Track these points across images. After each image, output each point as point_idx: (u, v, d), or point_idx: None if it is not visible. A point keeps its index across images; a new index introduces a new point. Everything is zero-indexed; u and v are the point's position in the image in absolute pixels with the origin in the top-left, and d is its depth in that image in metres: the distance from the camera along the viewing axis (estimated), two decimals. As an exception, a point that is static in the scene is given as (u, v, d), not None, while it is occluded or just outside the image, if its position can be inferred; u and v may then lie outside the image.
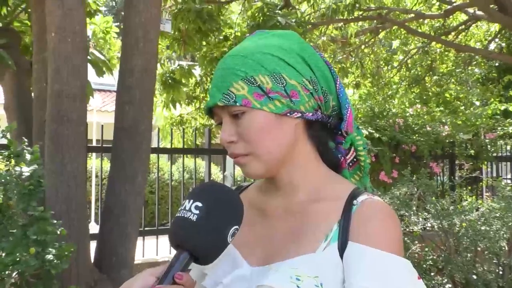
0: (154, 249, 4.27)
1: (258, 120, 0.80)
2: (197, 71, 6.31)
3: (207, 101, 0.84)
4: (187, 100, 6.85)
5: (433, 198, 3.41)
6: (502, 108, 7.49)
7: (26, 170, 2.18)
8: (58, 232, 2.22)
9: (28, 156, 2.30)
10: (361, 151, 0.93)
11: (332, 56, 8.85)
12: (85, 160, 3.08)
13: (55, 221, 2.26)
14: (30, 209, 2.12)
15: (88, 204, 6.27)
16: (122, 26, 3.26)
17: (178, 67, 5.85)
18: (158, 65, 5.52)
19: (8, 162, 2.31)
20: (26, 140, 2.54)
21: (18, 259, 1.98)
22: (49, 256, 2.07)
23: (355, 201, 0.81)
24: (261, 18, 4.68)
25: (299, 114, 0.82)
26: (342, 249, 0.77)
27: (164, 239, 4.32)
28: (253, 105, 0.80)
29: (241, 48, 0.84)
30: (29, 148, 2.40)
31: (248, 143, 0.81)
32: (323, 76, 0.85)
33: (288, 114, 0.81)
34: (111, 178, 3.06)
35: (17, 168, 2.20)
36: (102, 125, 4.20)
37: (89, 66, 3.66)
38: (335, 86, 0.88)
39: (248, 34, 4.63)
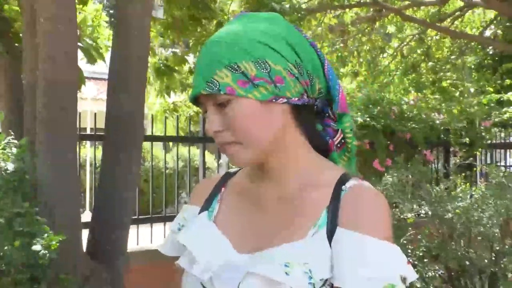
0: (148, 237, 4.27)
1: (244, 108, 0.79)
2: (191, 57, 6.26)
3: (192, 90, 0.82)
4: (180, 88, 6.82)
5: (428, 185, 3.42)
6: (497, 97, 7.47)
7: (11, 167, 2.14)
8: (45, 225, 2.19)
9: (14, 150, 2.26)
10: (348, 133, 0.92)
11: (330, 45, 8.80)
12: (78, 149, 3.06)
13: (38, 218, 2.22)
14: (15, 205, 2.08)
15: (82, 192, 6.25)
16: (110, 13, 3.23)
17: (171, 54, 5.80)
18: (151, 52, 5.46)
19: None
20: (12, 133, 2.50)
21: (1, 253, 1.95)
22: (36, 247, 2.05)
23: (343, 187, 0.81)
24: (255, 3, 4.64)
25: (285, 100, 0.81)
26: (330, 235, 0.77)
27: (159, 227, 4.35)
28: (238, 93, 0.78)
29: (224, 33, 0.82)
30: (15, 141, 2.36)
31: (235, 132, 0.80)
32: (309, 59, 0.84)
33: (274, 101, 0.80)
34: (104, 166, 3.05)
35: (2, 164, 2.17)
36: (95, 113, 4.17)
37: (81, 53, 3.62)
38: (323, 68, 0.86)
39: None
